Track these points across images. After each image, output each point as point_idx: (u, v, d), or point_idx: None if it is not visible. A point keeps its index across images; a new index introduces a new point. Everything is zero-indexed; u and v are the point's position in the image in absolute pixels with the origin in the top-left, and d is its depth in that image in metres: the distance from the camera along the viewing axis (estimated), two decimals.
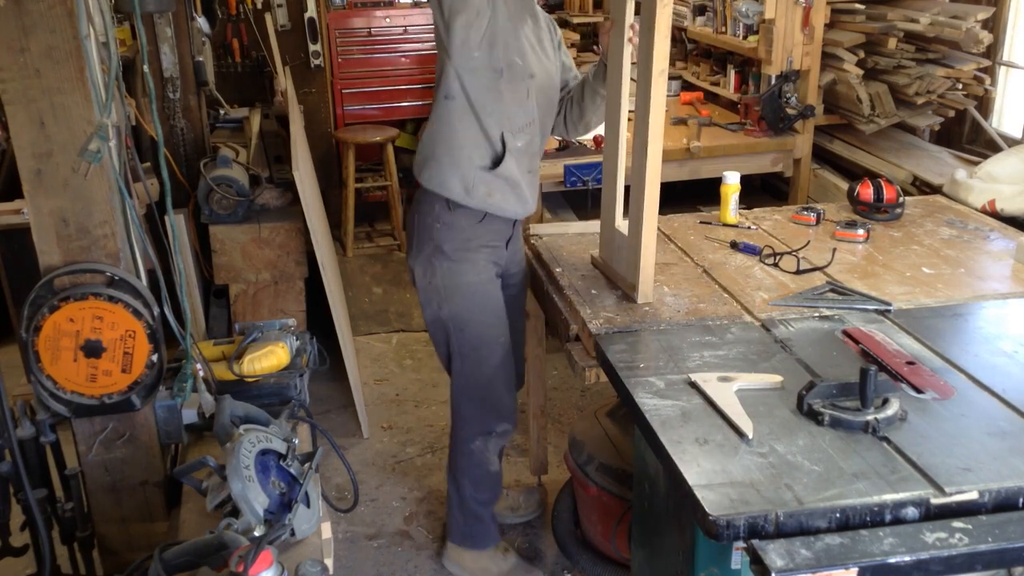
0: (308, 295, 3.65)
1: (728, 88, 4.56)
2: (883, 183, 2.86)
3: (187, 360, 2.00)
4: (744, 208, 2.90)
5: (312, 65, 5.69)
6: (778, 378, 1.84)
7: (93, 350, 1.85)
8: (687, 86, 4.99)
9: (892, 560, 1.37)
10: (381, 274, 5.26)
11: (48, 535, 1.88)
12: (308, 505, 1.75)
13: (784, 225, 2.81)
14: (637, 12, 2.17)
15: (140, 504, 2.04)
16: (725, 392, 1.78)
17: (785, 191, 4.28)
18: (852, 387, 1.71)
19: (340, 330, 3.51)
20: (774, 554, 1.37)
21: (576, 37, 5.82)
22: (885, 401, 1.70)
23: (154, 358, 1.90)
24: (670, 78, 5.01)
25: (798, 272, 2.43)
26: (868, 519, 1.46)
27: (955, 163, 3.71)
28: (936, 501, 1.47)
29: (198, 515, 1.84)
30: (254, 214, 3.53)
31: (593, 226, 2.65)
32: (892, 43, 3.75)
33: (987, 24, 3.63)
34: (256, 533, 1.59)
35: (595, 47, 5.90)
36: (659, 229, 2.75)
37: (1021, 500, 1.49)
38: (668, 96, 5.13)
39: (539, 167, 2.61)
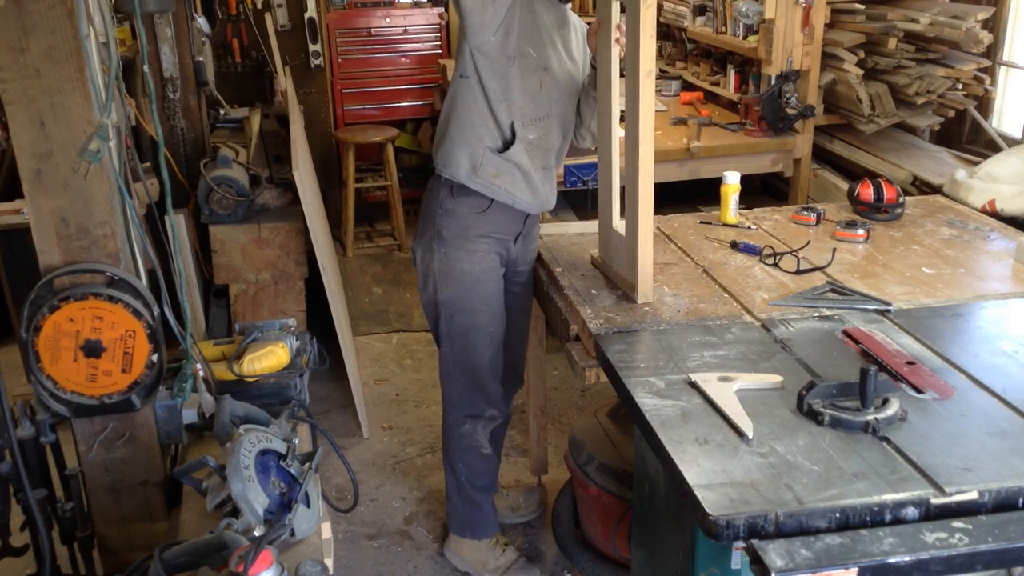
0: (308, 295, 3.65)
1: (728, 88, 4.56)
2: (883, 183, 2.86)
3: (187, 360, 2.00)
4: (744, 208, 2.90)
5: (312, 65, 5.69)
6: (778, 378, 1.84)
7: (93, 350, 1.85)
8: (687, 86, 4.99)
9: (892, 560, 1.37)
10: (381, 274, 5.26)
11: (48, 535, 1.88)
12: (308, 505, 1.75)
13: (784, 225, 2.81)
14: (623, 11, 2.18)
15: (140, 504, 2.04)
16: (725, 392, 1.78)
17: (785, 191, 4.28)
18: (852, 387, 1.71)
19: (340, 330, 3.51)
20: (774, 554, 1.37)
21: None
22: (885, 401, 1.70)
23: (154, 358, 1.90)
24: (670, 78, 5.04)
25: (798, 272, 2.43)
26: (868, 519, 1.46)
27: (955, 163, 3.71)
28: (936, 501, 1.47)
29: (198, 515, 1.84)
30: (254, 214, 3.53)
31: (593, 226, 2.65)
32: (892, 43, 3.75)
33: (987, 24, 3.63)
34: (256, 533, 1.59)
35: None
36: (659, 229, 2.76)
37: (1021, 500, 1.49)
38: (668, 96, 5.17)
39: (556, 167, 2.61)
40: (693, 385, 1.83)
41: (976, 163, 3.47)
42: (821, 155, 4.20)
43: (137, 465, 2.01)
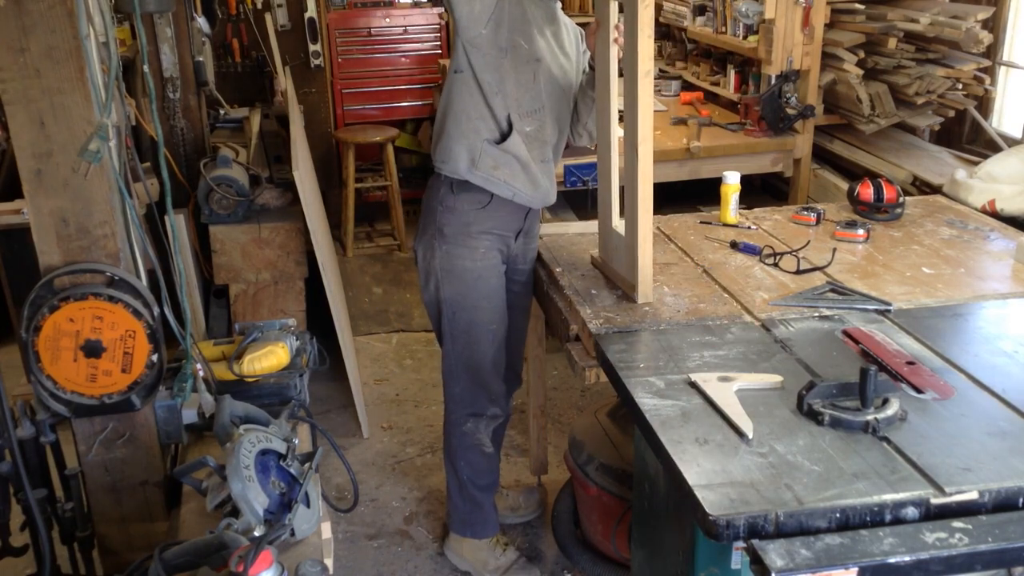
0: (308, 295, 3.65)
1: (728, 88, 4.56)
2: (883, 183, 2.86)
3: (187, 360, 2.00)
4: (744, 208, 2.90)
5: (312, 65, 5.69)
6: (778, 378, 1.84)
7: (93, 350, 1.85)
8: (687, 86, 4.99)
9: (892, 560, 1.37)
10: (381, 274, 5.26)
11: (48, 535, 1.88)
12: (308, 505, 1.75)
13: (784, 225, 2.81)
14: (621, 11, 2.18)
15: (140, 504, 2.04)
16: (725, 392, 1.78)
17: (785, 191, 4.28)
18: (852, 387, 1.71)
19: (340, 330, 3.51)
20: (774, 554, 1.37)
21: None
22: (885, 401, 1.70)
23: (154, 358, 1.90)
24: (670, 78, 5.03)
25: (798, 272, 2.43)
26: (868, 519, 1.46)
27: (955, 163, 3.71)
28: (936, 501, 1.47)
29: (198, 515, 1.84)
30: (254, 214, 3.53)
31: (593, 226, 2.65)
32: (892, 43, 3.75)
33: (987, 24, 3.63)
34: (256, 533, 1.59)
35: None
36: (659, 229, 2.76)
37: (1021, 500, 1.49)
38: (668, 96, 5.17)
39: (555, 161, 2.62)
40: (693, 385, 1.83)
41: (976, 163, 3.46)
42: (821, 155, 4.20)
43: (137, 465, 2.01)
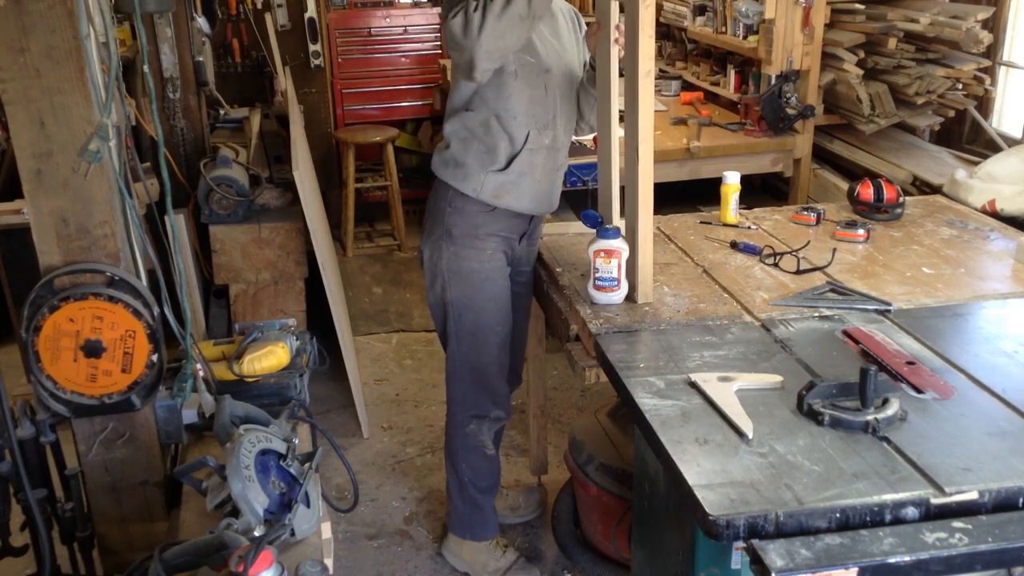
0: (308, 295, 3.65)
1: (728, 88, 4.56)
2: (883, 183, 2.86)
3: (187, 360, 2.00)
4: (744, 208, 2.90)
5: (312, 65, 5.69)
6: (778, 378, 1.84)
7: (93, 350, 1.85)
8: (687, 86, 5.00)
9: (892, 560, 1.37)
10: (381, 274, 5.26)
11: (48, 535, 1.88)
12: (308, 505, 1.75)
13: (784, 225, 2.81)
14: (622, 11, 2.18)
15: (140, 504, 2.04)
16: (725, 392, 1.78)
17: (785, 191, 4.28)
18: (852, 387, 1.71)
19: (340, 330, 3.51)
20: (774, 554, 1.37)
21: None
22: (885, 401, 1.70)
23: (154, 358, 1.90)
24: (670, 78, 5.04)
25: (798, 272, 2.43)
26: (868, 519, 1.46)
27: (955, 163, 3.71)
28: (936, 501, 1.47)
29: (198, 515, 1.84)
30: (254, 214, 3.53)
31: None
32: (892, 43, 3.75)
33: (987, 24, 3.63)
34: (256, 533, 1.59)
35: None
36: (659, 229, 2.76)
37: (1021, 500, 1.49)
38: (668, 96, 5.17)
39: (565, 163, 2.63)
40: (693, 385, 1.83)
41: (976, 163, 3.47)
42: (821, 155, 4.20)
43: (137, 465, 2.01)
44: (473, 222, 2.49)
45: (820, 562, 1.36)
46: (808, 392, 1.72)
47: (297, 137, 3.75)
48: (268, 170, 3.82)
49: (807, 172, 4.08)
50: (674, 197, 4.31)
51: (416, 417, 3.76)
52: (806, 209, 2.86)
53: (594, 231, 2.27)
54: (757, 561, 1.38)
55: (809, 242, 2.63)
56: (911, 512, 1.46)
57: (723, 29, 4.49)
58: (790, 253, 2.53)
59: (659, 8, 5.21)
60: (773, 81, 3.96)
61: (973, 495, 1.48)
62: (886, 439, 1.63)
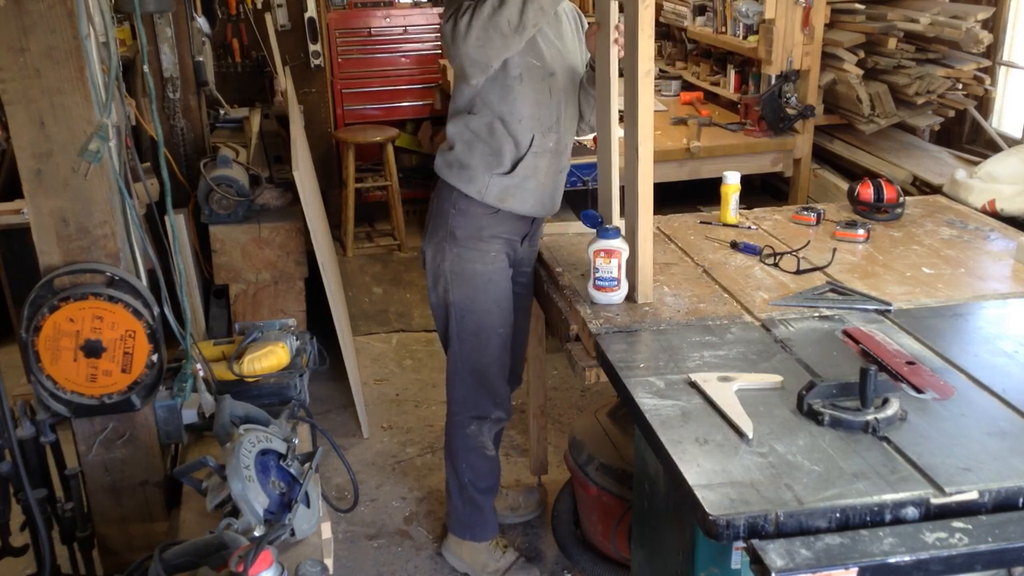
0: (308, 295, 3.65)
1: (728, 88, 4.56)
2: (883, 183, 2.86)
3: (187, 360, 2.00)
4: (744, 208, 2.90)
5: (312, 65, 5.69)
6: (778, 378, 1.84)
7: (93, 350, 1.85)
8: (687, 86, 5.00)
9: (892, 560, 1.37)
10: (381, 274, 5.26)
11: (48, 535, 1.88)
12: (308, 505, 1.75)
13: (784, 225, 2.81)
14: (622, 11, 2.18)
15: (140, 504, 2.04)
16: (725, 392, 1.78)
17: (785, 191, 4.28)
18: (852, 387, 1.71)
19: (340, 330, 3.51)
20: (774, 554, 1.37)
21: None
22: (885, 401, 1.70)
23: (154, 358, 1.90)
24: (670, 78, 5.04)
25: (798, 272, 2.43)
26: (868, 519, 1.46)
27: (955, 163, 3.71)
28: (936, 501, 1.47)
29: (198, 515, 1.84)
30: (254, 214, 3.53)
31: None
32: (892, 43, 3.75)
33: (987, 24, 3.63)
34: (256, 533, 1.59)
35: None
36: (659, 229, 2.76)
37: (1021, 500, 1.49)
38: (668, 96, 5.16)
39: (568, 165, 2.63)
40: (693, 385, 1.83)
41: (976, 163, 3.47)
42: (821, 155, 4.20)
43: (137, 465, 2.01)
44: (477, 224, 2.49)
45: (820, 562, 1.36)
46: (808, 392, 1.72)
47: (297, 137, 3.75)
48: (268, 170, 3.82)
49: (807, 172, 4.08)
50: (674, 197, 4.31)
51: (416, 417, 3.76)
52: (806, 209, 2.86)
53: (594, 231, 2.27)
54: (757, 561, 1.38)
55: (809, 242, 2.63)
56: (911, 512, 1.46)
57: (723, 29, 4.49)
58: (790, 253, 2.53)
59: (659, 8, 5.21)
60: (773, 81, 3.96)
61: (973, 495, 1.48)
62: (886, 439, 1.63)
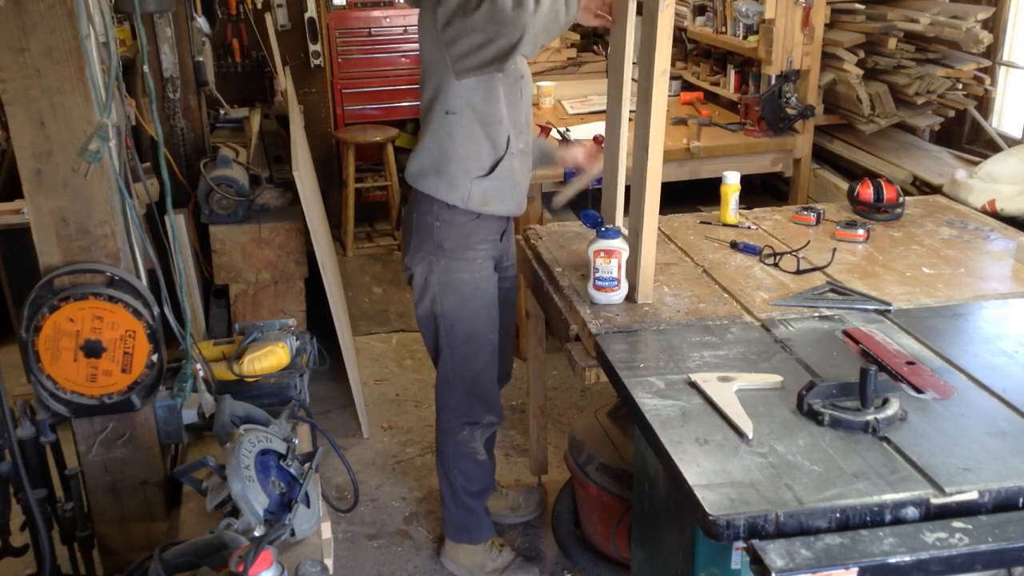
0: (308, 295, 3.65)
1: (728, 88, 4.56)
2: (883, 183, 2.86)
3: (187, 360, 2.00)
4: (744, 208, 2.90)
5: (312, 65, 5.69)
6: (778, 378, 1.84)
7: (93, 350, 1.85)
8: (687, 86, 4.99)
9: (892, 560, 1.37)
10: (381, 274, 5.26)
11: (48, 535, 1.88)
12: (308, 505, 1.75)
13: (784, 225, 2.81)
14: (639, 12, 2.17)
15: (140, 504, 2.04)
16: (725, 392, 1.78)
17: (785, 191, 4.28)
18: (852, 387, 1.71)
19: (340, 330, 3.51)
20: (774, 554, 1.37)
21: (576, 37, 5.81)
22: (885, 401, 1.70)
23: (154, 358, 1.90)
24: (671, 78, 5.02)
25: (798, 272, 2.43)
26: (868, 519, 1.46)
27: (955, 163, 3.71)
28: (936, 501, 1.47)
29: (198, 515, 1.84)
30: (254, 214, 3.53)
31: None
32: (892, 43, 3.75)
33: (987, 24, 3.63)
34: (256, 533, 1.59)
35: (595, 47, 5.90)
36: (659, 229, 2.75)
37: (1021, 500, 1.49)
38: (668, 96, 5.13)
39: (531, 167, 2.65)
40: (693, 385, 1.83)
41: (976, 163, 3.46)
42: (821, 155, 4.20)
43: (137, 465, 2.01)
44: (463, 232, 2.48)
45: (820, 562, 1.36)
46: (808, 392, 1.72)
47: (297, 137, 3.75)
48: (268, 170, 3.82)
49: (807, 172, 4.08)
50: (674, 197, 4.30)
51: (416, 417, 3.75)
52: (806, 209, 2.86)
53: (594, 231, 2.27)
54: (757, 561, 1.38)
55: (809, 242, 2.63)
56: (911, 512, 1.46)
57: (723, 29, 4.48)
58: (790, 253, 2.53)
59: None
60: (773, 81, 3.96)
61: (973, 495, 1.48)
62: (886, 439, 1.63)
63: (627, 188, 2.30)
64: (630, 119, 2.28)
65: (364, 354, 4.29)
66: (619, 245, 2.23)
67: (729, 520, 1.43)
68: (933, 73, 3.70)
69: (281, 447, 1.79)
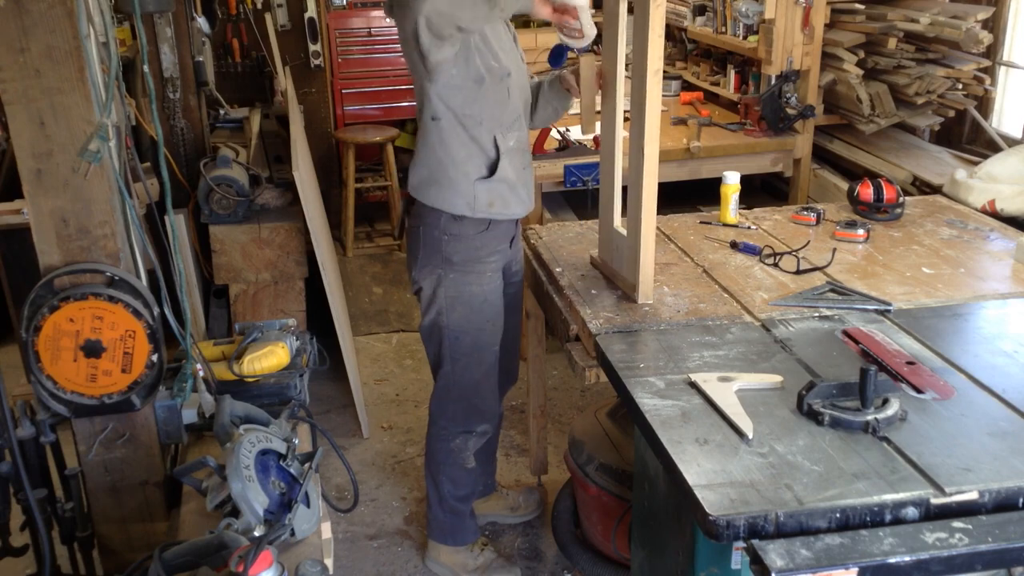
0: (308, 295, 3.65)
1: (728, 88, 4.56)
2: (883, 183, 2.86)
3: (187, 360, 2.00)
4: (744, 208, 2.90)
5: (312, 65, 5.69)
6: (778, 378, 1.84)
7: (93, 350, 1.85)
8: (687, 86, 4.99)
9: (892, 560, 1.37)
10: (381, 274, 5.26)
11: (48, 535, 1.88)
12: (308, 505, 1.75)
13: (784, 225, 2.81)
14: (631, 11, 2.17)
15: (140, 504, 2.04)
16: (725, 392, 1.78)
17: (785, 191, 4.28)
18: (852, 387, 1.71)
19: (340, 330, 3.51)
20: (774, 554, 1.37)
21: None
22: (885, 401, 1.70)
23: (154, 358, 1.90)
24: (670, 78, 5.03)
25: (798, 272, 2.43)
26: (868, 519, 1.46)
27: (955, 163, 3.71)
28: (936, 501, 1.47)
29: (198, 515, 1.84)
30: (254, 214, 3.53)
31: (593, 226, 2.65)
32: (892, 43, 3.75)
33: (987, 24, 3.63)
34: (256, 533, 1.59)
35: (595, 47, 5.89)
36: (659, 229, 2.76)
37: (1021, 500, 1.49)
38: (668, 96, 5.16)
39: (531, 162, 2.62)
40: (693, 385, 1.83)
41: (976, 163, 3.47)
42: (821, 155, 4.20)
43: (137, 465, 2.01)
44: (472, 245, 2.46)
45: (820, 562, 1.36)
46: (808, 392, 1.72)
47: (297, 137, 3.75)
48: (268, 170, 3.82)
49: (807, 172, 4.08)
50: (674, 197, 4.29)
51: (416, 417, 3.75)
52: (806, 209, 2.86)
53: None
54: (757, 561, 1.38)
55: (809, 242, 2.63)
56: (911, 512, 1.46)
57: (723, 29, 4.49)
58: (790, 253, 2.53)
59: None
60: (773, 81, 3.96)
61: (973, 495, 1.48)
62: (886, 439, 1.63)
63: (625, 188, 2.30)
64: (625, 119, 2.28)
65: (364, 354, 4.29)
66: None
67: (729, 520, 1.43)
68: (933, 73, 3.70)
69: (281, 447, 1.79)
